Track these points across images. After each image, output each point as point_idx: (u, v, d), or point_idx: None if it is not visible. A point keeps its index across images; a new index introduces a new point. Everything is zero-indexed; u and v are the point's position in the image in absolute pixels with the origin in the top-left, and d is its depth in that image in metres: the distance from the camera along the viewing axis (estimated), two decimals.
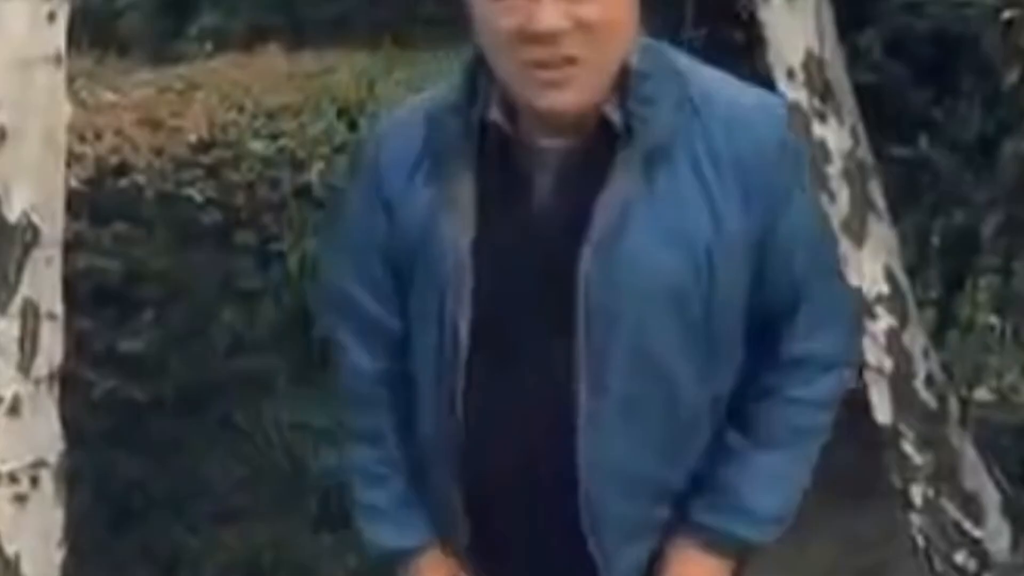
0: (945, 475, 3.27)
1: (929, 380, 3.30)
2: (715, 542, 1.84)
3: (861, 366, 3.30)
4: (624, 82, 1.71)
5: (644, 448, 1.79)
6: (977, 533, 3.25)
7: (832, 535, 5.02)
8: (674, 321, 1.74)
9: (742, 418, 1.84)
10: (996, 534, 3.26)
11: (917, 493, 3.29)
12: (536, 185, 1.76)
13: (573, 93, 1.68)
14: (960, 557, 3.24)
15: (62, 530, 3.25)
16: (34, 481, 3.09)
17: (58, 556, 3.26)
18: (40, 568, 3.12)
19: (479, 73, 1.78)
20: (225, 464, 3.63)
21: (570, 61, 1.66)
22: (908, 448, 3.28)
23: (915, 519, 3.30)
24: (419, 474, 1.92)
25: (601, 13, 1.66)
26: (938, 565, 3.28)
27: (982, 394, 5.90)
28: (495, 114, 1.74)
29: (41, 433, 3.16)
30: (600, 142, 1.72)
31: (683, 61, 1.78)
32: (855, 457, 5.40)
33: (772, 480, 1.85)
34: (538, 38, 1.65)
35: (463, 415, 1.81)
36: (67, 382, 3.32)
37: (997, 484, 3.29)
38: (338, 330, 1.99)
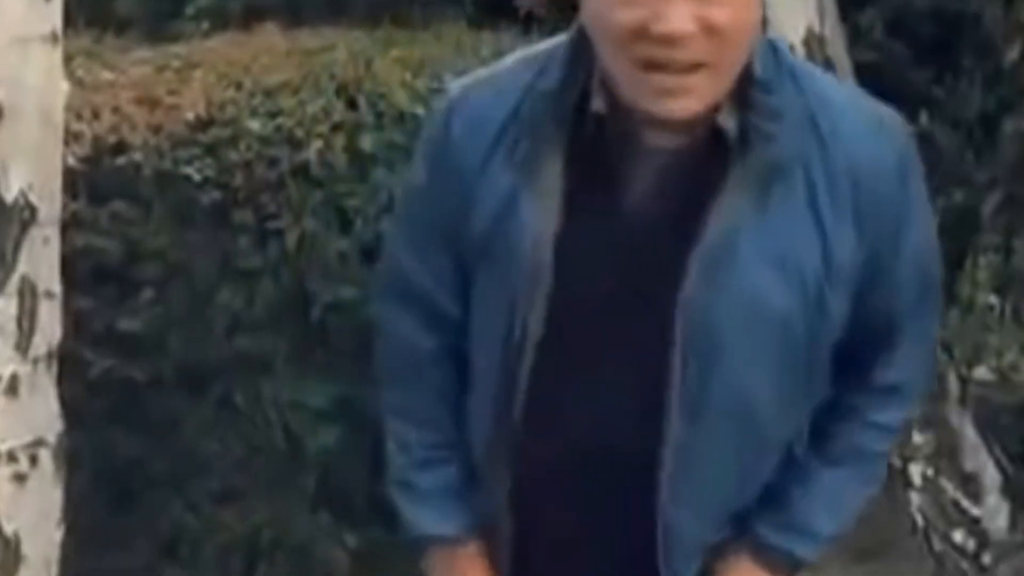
0: (944, 454, 3.27)
1: None
2: (774, 559, 1.77)
3: None
4: (745, 89, 1.57)
5: (727, 475, 1.72)
6: (976, 512, 3.26)
7: None
8: (776, 352, 1.64)
9: (816, 437, 1.76)
10: (995, 513, 3.26)
11: (916, 472, 3.29)
12: (632, 185, 1.61)
13: (692, 101, 1.53)
14: (959, 536, 3.25)
15: (61, 509, 3.26)
16: (33, 460, 3.09)
17: (57, 535, 3.26)
18: (39, 547, 3.13)
19: (580, 55, 1.61)
20: (224, 443, 3.63)
21: (693, 68, 1.51)
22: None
23: (914, 498, 3.31)
24: (467, 461, 1.84)
25: (732, 16, 1.51)
26: (937, 544, 3.29)
27: (982, 373, 5.90)
28: (598, 104, 1.58)
29: (40, 412, 3.16)
30: (711, 150, 1.58)
31: (799, 65, 1.67)
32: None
33: (836, 501, 1.78)
34: (662, 39, 1.50)
35: (521, 418, 1.71)
36: (65, 361, 3.32)
37: (996, 463, 3.30)
38: (391, 307, 1.86)
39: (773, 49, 1.62)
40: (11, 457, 3.04)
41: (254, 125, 3.57)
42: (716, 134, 1.57)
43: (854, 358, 1.72)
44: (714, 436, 1.66)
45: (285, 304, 3.60)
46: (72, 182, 3.28)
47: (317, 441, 3.63)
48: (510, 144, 1.64)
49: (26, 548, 3.04)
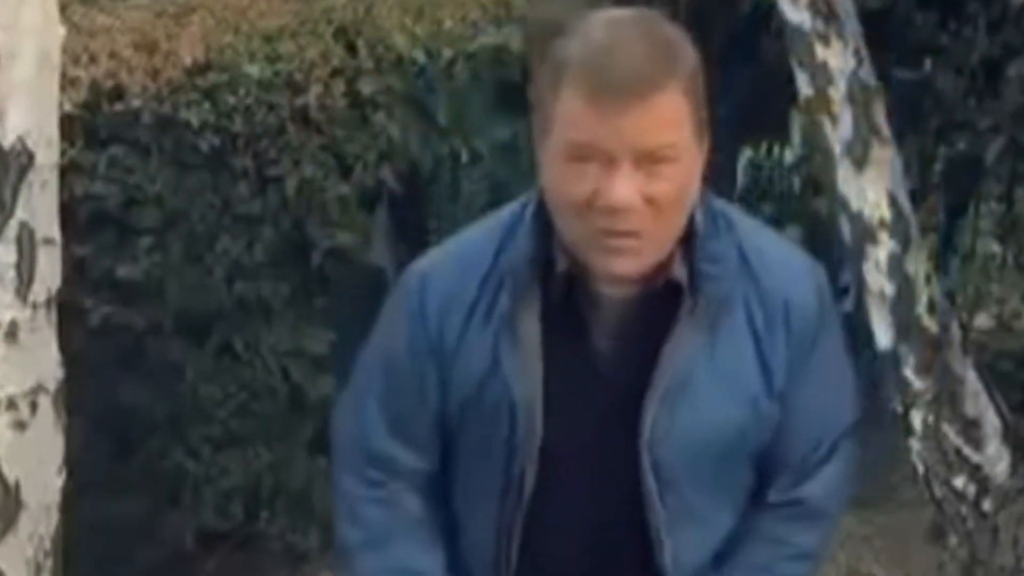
0: (946, 401, 3.26)
1: (931, 305, 3.29)
2: None
3: (862, 291, 3.29)
4: (690, 239, 1.75)
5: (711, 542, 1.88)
6: (977, 458, 3.25)
7: None
8: (725, 462, 1.81)
9: (732, 556, 1.90)
10: (996, 459, 3.26)
11: (917, 419, 3.28)
12: (598, 334, 1.78)
13: (636, 262, 1.72)
14: (960, 482, 3.25)
15: (62, 456, 3.25)
16: (33, 407, 3.08)
17: (58, 482, 3.26)
18: (40, 494, 3.13)
19: (543, 221, 1.77)
20: (224, 390, 3.62)
21: (635, 234, 1.69)
22: (909, 373, 3.27)
23: (915, 445, 3.30)
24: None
25: (670, 190, 1.68)
26: (937, 490, 3.29)
27: (983, 321, 5.89)
28: (562, 264, 1.75)
29: (40, 359, 3.15)
30: (665, 294, 1.76)
31: (732, 214, 1.83)
32: (856, 383, 5.41)
33: None
34: (608, 210, 1.67)
35: (520, 544, 1.83)
36: (65, 309, 3.31)
37: (997, 410, 3.29)
38: (356, 481, 1.88)
39: (713, 203, 1.81)
40: (11, 404, 3.03)
41: (253, 70, 3.55)
42: (669, 282, 1.76)
43: (774, 470, 1.87)
44: (695, 524, 1.84)
45: (285, 250, 3.59)
46: (70, 128, 3.26)
47: (317, 388, 3.63)
48: (485, 309, 1.78)
49: (26, 495, 3.04)
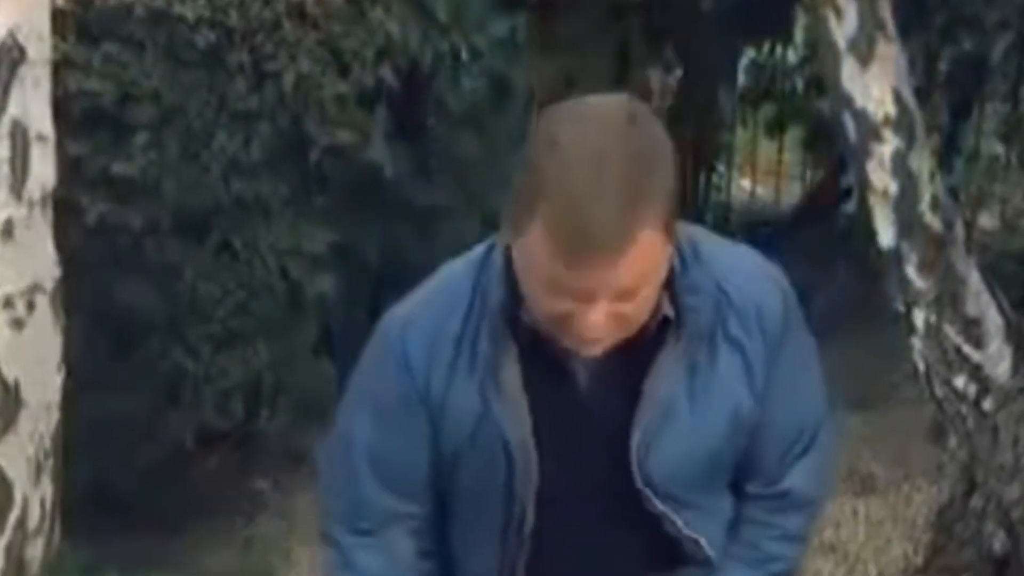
0: (948, 300, 3.23)
1: (935, 204, 3.25)
2: None
3: (866, 189, 3.25)
4: (669, 277, 1.73)
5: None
6: (978, 358, 3.23)
7: (832, 363, 5.05)
8: (715, 466, 1.86)
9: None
10: (997, 359, 3.24)
11: (919, 318, 3.25)
12: (577, 369, 1.77)
13: (605, 345, 1.70)
14: (960, 382, 3.23)
15: (60, 355, 3.25)
16: (30, 306, 3.07)
17: (57, 381, 3.26)
18: (39, 393, 3.13)
19: (510, 275, 1.72)
20: (223, 288, 3.60)
21: (603, 339, 1.69)
22: (911, 272, 3.24)
23: (916, 344, 3.28)
24: None
25: (643, 308, 1.68)
26: (938, 389, 3.27)
27: (986, 221, 5.87)
28: (528, 317, 1.71)
29: (36, 257, 3.13)
30: (647, 333, 1.75)
31: (696, 237, 1.83)
32: (856, 286, 5.42)
33: None
34: (579, 336, 1.66)
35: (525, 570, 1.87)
36: (60, 207, 3.28)
37: (1000, 309, 3.26)
38: (355, 540, 1.87)
39: (682, 233, 1.79)
40: (8, 303, 3.02)
41: None
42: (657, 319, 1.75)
43: (753, 467, 1.91)
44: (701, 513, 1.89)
45: (282, 147, 3.55)
46: (62, 23, 3.21)
47: (315, 286, 3.61)
48: (469, 353, 1.76)
49: (26, 393, 3.04)
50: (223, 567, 3.43)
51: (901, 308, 3.29)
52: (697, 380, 1.78)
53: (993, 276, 3.38)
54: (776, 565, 1.95)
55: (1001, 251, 3.90)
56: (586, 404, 1.78)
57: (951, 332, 3.24)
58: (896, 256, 3.27)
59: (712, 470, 1.85)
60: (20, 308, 3.03)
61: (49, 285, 3.13)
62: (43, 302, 3.11)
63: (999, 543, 3.15)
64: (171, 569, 3.33)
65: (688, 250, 1.78)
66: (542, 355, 1.74)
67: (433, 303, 1.80)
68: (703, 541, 1.87)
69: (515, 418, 1.76)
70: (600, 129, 1.62)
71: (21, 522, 3.02)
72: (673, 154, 1.65)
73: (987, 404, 3.21)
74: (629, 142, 1.61)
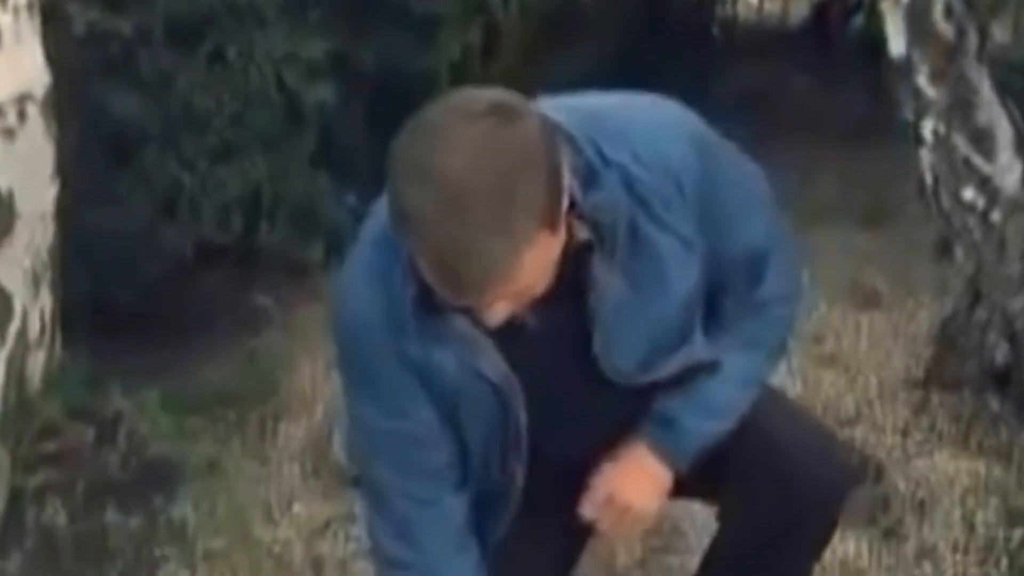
0: (958, 109, 3.17)
1: (947, 11, 3.16)
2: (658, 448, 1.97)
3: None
4: (573, 202, 1.69)
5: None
6: (987, 169, 3.17)
7: (838, 176, 5.00)
8: (685, 325, 1.88)
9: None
10: (1006, 170, 3.18)
11: (928, 128, 3.19)
12: (524, 321, 1.74)
13: (507, 312, 1.68)
14: (968, 193, 3.18)
15: (53, 165, 3.21)
16: (21, 115, 3.02)
17: (51, 192, 3.22)
18: (34, 203, 3.09)
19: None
20: (218, 99, 3.54)
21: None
22: (922, 81, 3.17)
23: (924, 155, 3.22)
24: None
25: (538, 285, 1.65)
26: (945, 202, 3.22)
27: (998, 32, 5.74)
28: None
29: (24, 66, 3.08)
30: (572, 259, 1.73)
31: (591, 125, 1.74)
32: (866, 100, 5.34)
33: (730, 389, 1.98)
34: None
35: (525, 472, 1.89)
36: (49, 16, 3.20)
37: (1010, 119, 3.20)
38: (396, 541, 1.88)
39: (576, 149, 1.72)
40: None
41: None
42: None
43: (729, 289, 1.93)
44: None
45: None
46: None
47: (314, 95, 3.54)
48: (429, 331, 1.74)
49: (20, 203, 3.00)
50: (226, 379, 3.43)
51: (910, 119, 3.23)
52: (637, 275, 1.78)
53: (1005, 87, 3.31)
54: (774, 333, 2.00)
55: (1013, 62, 3.80)
56: (544, 338, 1.78)
57: (960, 143, 3.19)
58: (907, 65, 3.20)
59: (683, 330, 1.87)
60: (11, 118, 2.98)
61: (40, 93, 3.07)
62: (34, 111, 3.05)
63: (1001, 354, 3.15)
64: (173, 381, 3.33)
65: (591, 159, 1.73)
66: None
67: (374, 295, 1.77)
68: (701, 360, 1.90)
69: (488, 360, 1.76)
70: (457, 151, 1.55)
71: (21, 334, 3.01)
72: (549, 143, 1.60)
73: (995, 216, 3.17)
74: (494, 160, 1.55)
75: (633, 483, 1.96)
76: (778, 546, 1.98)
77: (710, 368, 1.92)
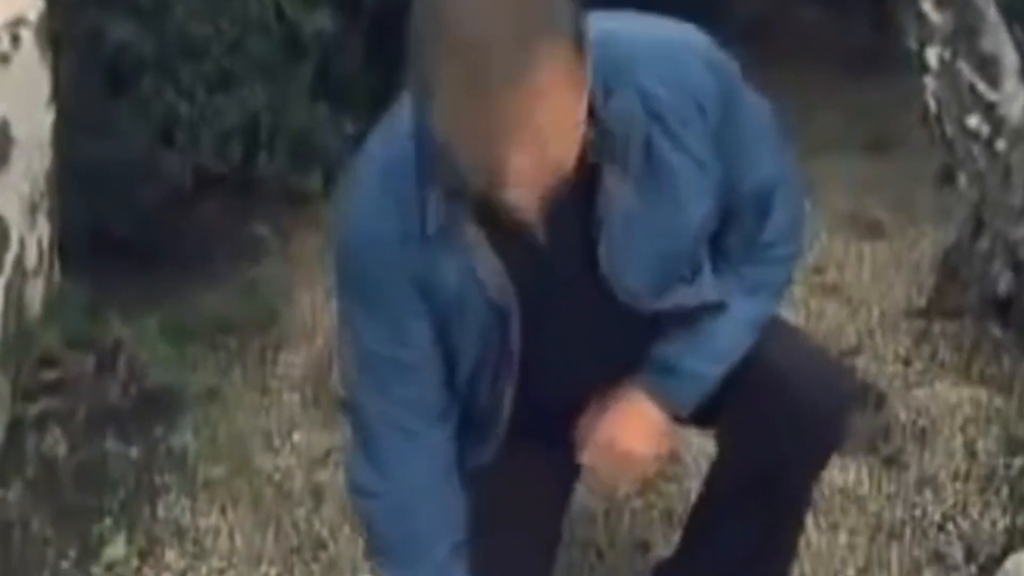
0: (963, 36, 3.13)
1: None
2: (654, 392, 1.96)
3: None
4: (591, 111, 1.64)
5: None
6: (992, 96, 3.14)
7: (841, 105, 4.96)
8: (692, 252, 1.87)
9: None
10: (1012, 98, 3.15)
11: (933, 55, 3.16)
12: (534, 223, 1.71)
13: (536, 194, 1.61)
14: (973, 121, 3.15)
15: (49, 91, 3.18)
16: (15, 40, 2.98)
17: (47, 119, 3.19)
18: (30, 130, 3.07)
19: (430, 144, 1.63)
20: (216, 26, 3.50)
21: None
22: (927, 7, 3.13)
23: (929, 82, 3.18)
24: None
25: (565, 145, 1.58)
26: (949, 130, 3.19)
27: None
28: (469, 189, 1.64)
29: None
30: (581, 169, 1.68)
31: (610, 46, 1.69)
32: (869, 26, 5.29)
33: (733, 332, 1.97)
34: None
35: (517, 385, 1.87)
36: None
37: (1017, 46, 3.16)
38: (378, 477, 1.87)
39: (594, 68, 1.65)
40: None
41: None
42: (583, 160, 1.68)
43: (736, 223, 1.92)
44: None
45: None
46: None
47: (312, 23, 3.50)
48: (435, 242, 1.72)
49: (16, 130, 2.98)
50: (225, 308, 3.43)
51: (914, 46, 3.19)
52: (649, 190, 1.75)
53: (1011, 12, 3.27)
54: (775, 274, 2.00)
55: None
56: (551, 251, 1.76)
57: (965, 70, 3.15)
58: None
59: (694, 261, 1.86)
60: (5, 42, 2.94)
61: (33, 17, 3.03)
62: (28, 36, 3.02)
63: (1004, 283, 3.14)
64: (172, 310, 3.33)
65: (607, 76, 1.70)
66: (493, 215, 1.69)
67: (382, 208, 1.74)
68: (708, 300, 1.89)
69: (491, 272, 1.75)
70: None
71: (19, 261, 3.00)
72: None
73: (1000, 144, 3.14)
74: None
75: (633, 429, 1.95)
76: (777, 470, 1.97)
77: (715, 309, 1.91)
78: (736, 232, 1.93)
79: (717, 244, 1.92)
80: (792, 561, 2.25)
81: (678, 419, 2.01)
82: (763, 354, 1.93)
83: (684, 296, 1.87)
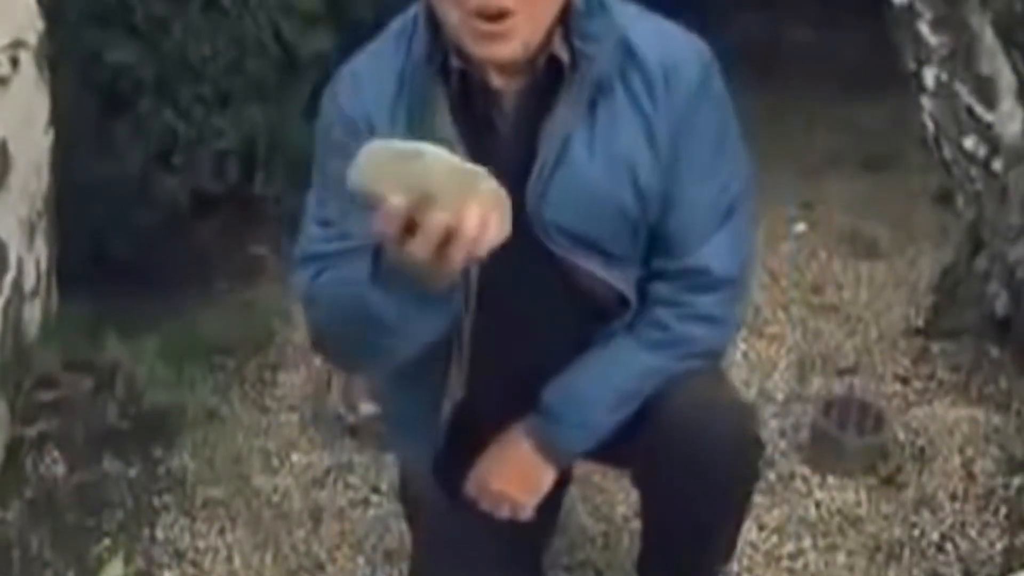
0: (961, 56, 3.15)
1: None
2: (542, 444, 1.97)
3: None
4: (568, 21, 1.80)
5: None
6: (989, 118, 3.15)
7: (838, 124, 4.97)
8: (618, 236, 1.89)
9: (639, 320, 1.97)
10: (1008, 118, 3.16)
11: (930, 76, 3.17)
12: (498, 125, 1.85)
13: (511, 45, 1.76)
14: (970, 142, 3.16)
15: (48, 113, 3.18)
16: (14, 63, 2.99)
17: (46, 141, 3.20)
18: (28, 152, 3.07)
19: (434, 17, 1.82)
20: (213, 47, 3.50)
21: (506, 14, 1.73)
22: (924, 29, 3.15)
23: (926, 103, 3.20)
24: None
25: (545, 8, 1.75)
26: (947, 151, 3.21)
27: None
28: (456, 61, 1.81)
29: (17, 12, 3.04)
30: (550, 80, 1.82)
31: (614, 3, 1.85)
32: (867, 47, 5.29)
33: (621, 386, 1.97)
34: None
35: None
36: None
37: (1013, 67, 3.18)
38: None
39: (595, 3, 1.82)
40: None
41: None
42: (552, 65, 1.81)
43: (665, 241, 1.92)
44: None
45: None
46: None
47: (309, 45, 3.51)
48: (405, 110, 1.83)
49: (14, 152, 2.98)
50: (224, 329, 3.42)
51: (912, 66, 3.21)
52: (595, 130, 1.82)
53: (1007, 34, 3.28)
54: (687, 347, 1.93)
55: (1018, 11, 3.77)
56: (505, 153, 1.83)
57: (963, 90, 3.17)
58: (909, 12, 3.17)
59: (619, 226, 1.86)
60: (4, 65, 2.95)
61: (33, 40, 3.04)
62: (27, 58, 3.03)
63: (1002, 303, 3.14)
64: (171, 330, 3.32)
65: (596, 9, 1.82)
66: (470, 114, 1.83)
67: (375, 56, 1.92)
68: (620, 286, 1.88)
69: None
70: None
71: (17, 283, 3.00)
72: None
73: (997, 164, 3.16)
74: None
75: (507, 473, 1.98)
76: (694, 530, 1.99)
77: (615, 342, 1.92)
78: (668, 249, 1.92)
79: (643, 293, 1.93)
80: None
81: (591, 456, 2.00)
82: (667, 400, 1.90)
83: (597, 268, 1.87)
